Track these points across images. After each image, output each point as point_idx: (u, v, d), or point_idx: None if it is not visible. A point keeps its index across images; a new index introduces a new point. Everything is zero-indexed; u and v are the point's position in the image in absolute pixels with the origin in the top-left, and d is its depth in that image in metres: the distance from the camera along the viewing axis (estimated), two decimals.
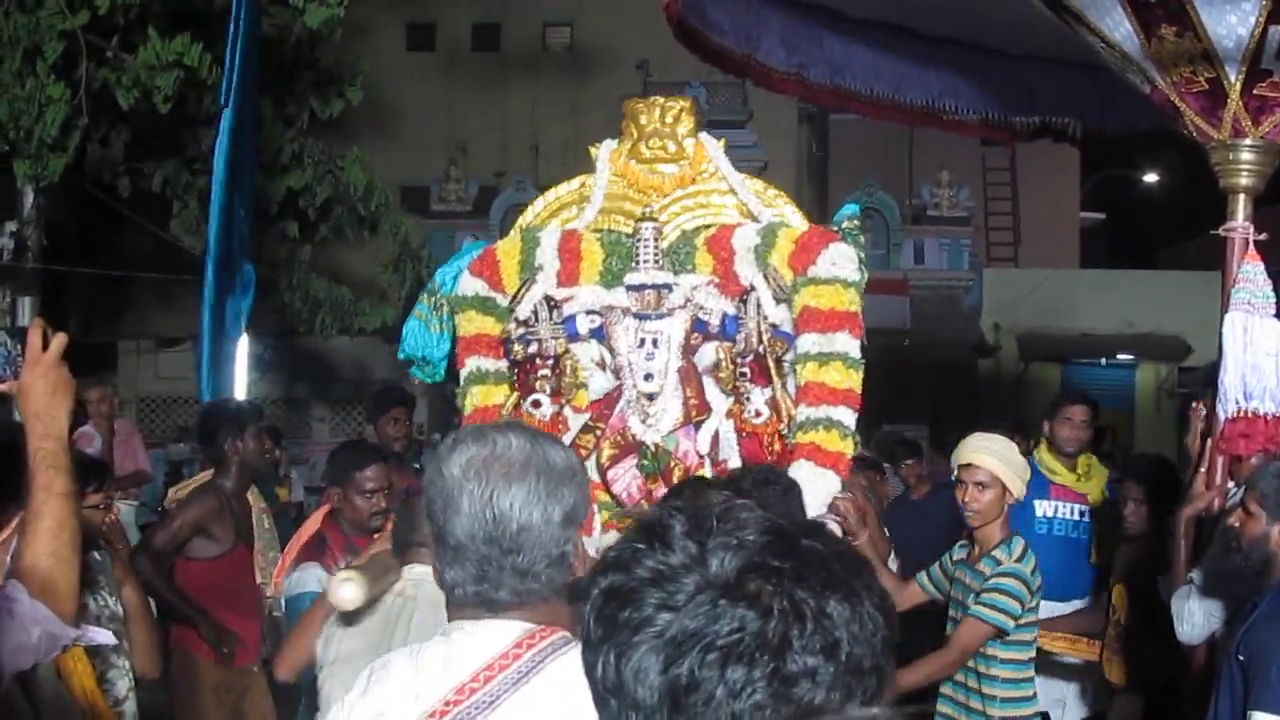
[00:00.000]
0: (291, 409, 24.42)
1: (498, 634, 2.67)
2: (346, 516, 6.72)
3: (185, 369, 24.76)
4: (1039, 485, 8.27)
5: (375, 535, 6.84)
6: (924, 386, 23.21)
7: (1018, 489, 6.13)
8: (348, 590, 4.37)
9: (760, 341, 5.91)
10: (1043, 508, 8.27)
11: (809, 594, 1.58)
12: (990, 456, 6.07)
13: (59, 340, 3.47)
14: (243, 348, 10.02)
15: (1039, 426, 8.73)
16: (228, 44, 9.88)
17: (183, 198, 14.58)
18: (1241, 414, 5.99)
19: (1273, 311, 6.01)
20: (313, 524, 6.89)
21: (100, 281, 19.69)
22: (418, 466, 11.04)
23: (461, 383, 6.12)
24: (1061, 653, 7.61)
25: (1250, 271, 6.01)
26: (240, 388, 9.91)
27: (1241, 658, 4.98)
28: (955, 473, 6.25)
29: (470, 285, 6.10)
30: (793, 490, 5.17)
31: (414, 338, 6.37)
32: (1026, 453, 12.18)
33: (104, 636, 5.06)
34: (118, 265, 19.69)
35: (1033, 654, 6.34)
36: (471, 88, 27.59)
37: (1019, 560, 6.09)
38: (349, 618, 4.44)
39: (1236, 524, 5.36)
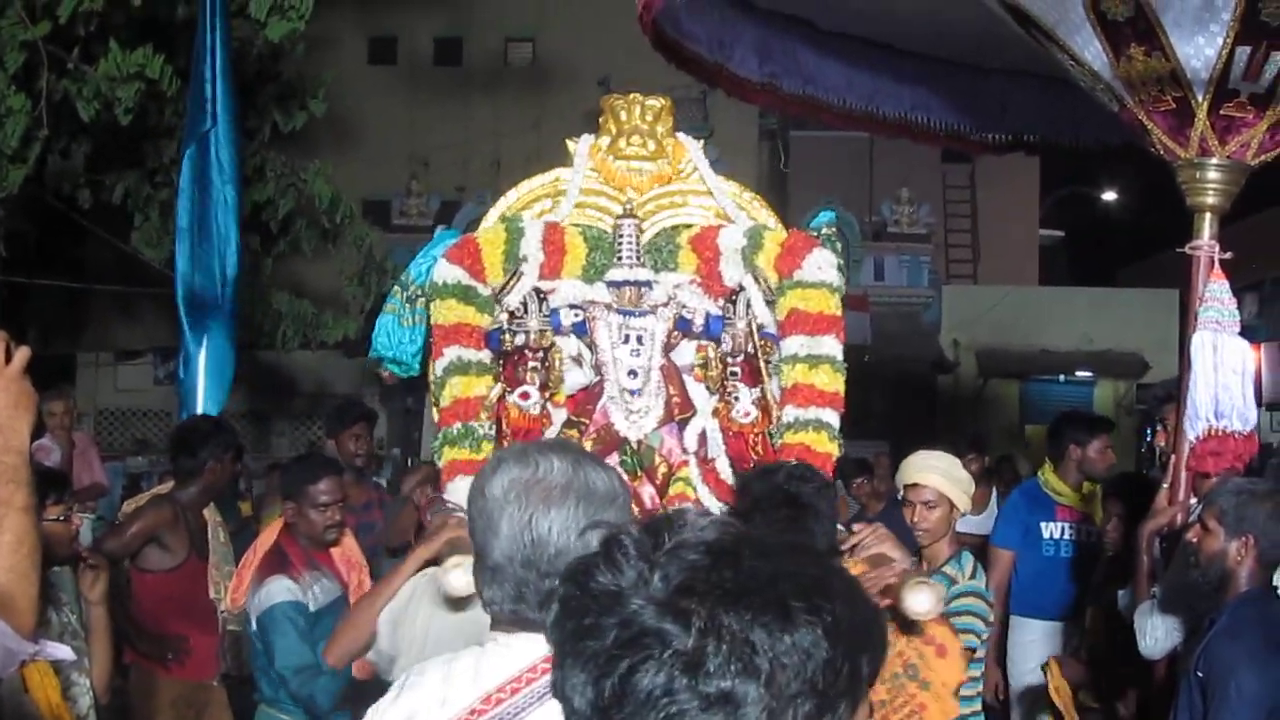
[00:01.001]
0: (252, 422, 24.32)
1: (528, 648, 2.71)
2: (301, 531, 6.73)
3: (144, 382, 24.77)
4: (1045, 507, 8.34)
5: (330, 548, 6.84)
6: (884, 403, 23.25)
7: (964, 503, 6.20)
8: (457, 577, 4.25)
9: (752, 342, 5.95)
10: (1049, 529, 8.35)
11: (735, 617, 1.58)
12: (935, 475, 6.10)
13: (22, 353, 3.42)
14: (202, 362, 9.99)
15: (1007, 444, 8.77)
16: (204, 59, 9.88)
17: (144, 210, 14.51)
18: (1212, 432, 6.03)
19: (1238, 330, 6.06)
20: (268, 538, 6.86)
21: (60, 293, 19.58)
22: (378, 481, 11.03)
23: (439, 373, 5.99)
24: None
25: (1217, 290, 6.06)
26: (201, 401, 9.86)
27: (1200, 674, 5.03)
28: (901, 492, 6.28)
29: (450, 273, 5.99)
30: (827, 488, 5.19)
31: (386, 334, 6.27)
32: (987, 469, 12.27)
33: (62, 652, 5.01)
34: (77, 277, 19.61)
35: (983, 669, 6.39)
36: (433, 101, 27.56)
37: (972, 577, 6.14)
38: (455, 603, 4.37)
39: (1194, 540, 5.45)
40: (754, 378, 5.99)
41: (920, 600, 4.58)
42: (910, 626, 4.91)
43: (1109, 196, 35.51)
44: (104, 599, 6.00)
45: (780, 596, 1.61)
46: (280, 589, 6.37)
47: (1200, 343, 6.05)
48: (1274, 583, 5.40)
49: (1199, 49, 5.50)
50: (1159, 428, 7.02)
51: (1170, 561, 6.10)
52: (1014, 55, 7.09)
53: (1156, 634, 6.04)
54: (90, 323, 23.26)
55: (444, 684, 2.76)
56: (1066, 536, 8.33)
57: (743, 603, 1.60)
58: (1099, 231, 37.14)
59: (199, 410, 9.66)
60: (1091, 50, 5.81)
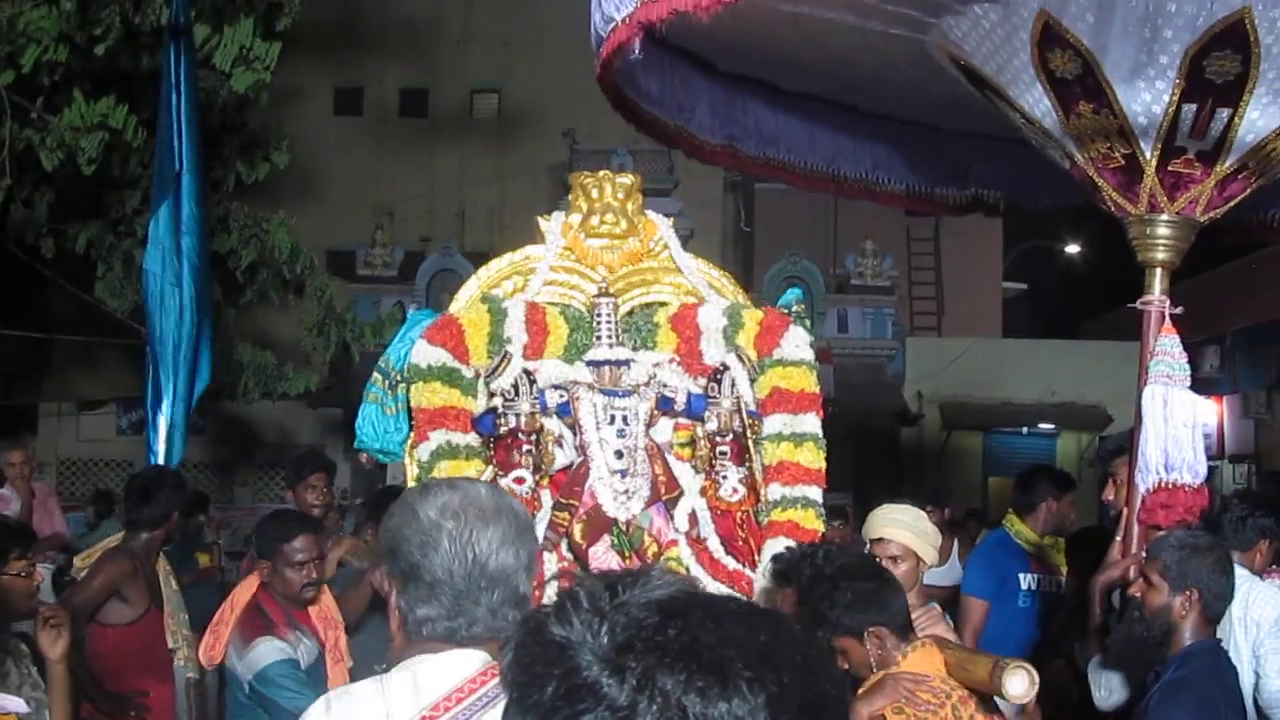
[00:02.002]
0: (214, 473, 24.23)
1: (463, 661, 2.80)
2: (277, 589, 6.63)
3: (106, 432, 24.67)
4: (1020, 557, 8.34)
5: (309, 606, 6.75)
6: (847, 454, 23.24)
7: (930, 557, 6.18)
8: (1020, 683, 4.51)
9: (739, 420, 5.98)
10: (1027, 580, 8.34)
11: (670, 678, 1.58)
12: (900, 529, 6.10)
13: None
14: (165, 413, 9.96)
15: (970, 495, 8.80)
16: (171, 110, 9.88)
17: (107, 260, 14.48)
18: (1162, 485, 6.07)
19: (1189, 384, 6.11)
20: (244, 594, 6.75)
21: (22, 343, 19.52)
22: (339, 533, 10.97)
23: (425, 457, 5.85)
24: None
25: (1167, 344, 6.10)
26: (162, 453, 9.82)
27: None
28: (868, 546, 6.28)
29: (432, 354, 5.89)
30: (891, 583, 5.08)
31: (371, 426, 6.14)
32: (950, 521, 12.30)
33: (15, 704, 5.00)
34: (40, 327, 19.54)
35: None
36: (398, 152, 27.60)
37: None
38: None
39: (1138, 594, 5.50)
40: (741, 456, 6.00)
41: (1018, 683, 4.60)
42: (992, 711, 4.93)
43: (1072, 249, 35.71)
44: (64, 656, 5.96)
45: (721, 661, 1.60)
46: (271, 649, 6.29)
47: (1151, 396, 6.09)
48: (1218, 636, 5.47)
49: (1146, 106, 5.57)
50: (1109, 481, 7.03)
51: (1124, 614, 6.13)
52: (972, 116, 7.15)
53: (1111, 685, 6.07)
54: (53, 372, 23.19)
55: (383, 699, 2.80)
56: (1039, 588, 8.36)
57: (681, 664, 1.59)
58: (1062, 284, 37.33)
59: (173, 459, 9.65)
60: (1042, 108, 5.87)
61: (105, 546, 8.11)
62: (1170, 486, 6.07)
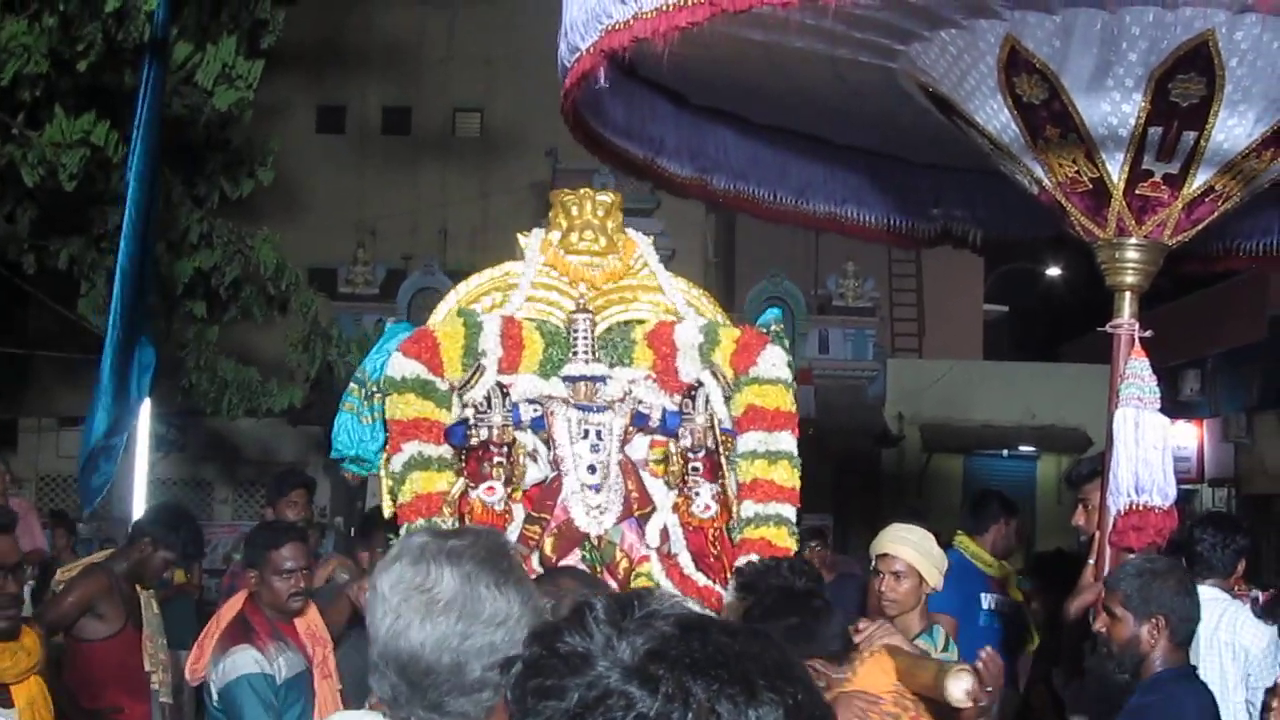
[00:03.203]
0: (195, 490, 24.17)
1: None
2: (265, 600, 6.61)
3: None
4: (978, 578, 8.38)
5: (295, 618, 6.74)
6: (827, 476, 23.26)
7: (935, 579, 6.19)
8: (962, 685, 4.60)
9: (712, 437, 6.03)
10: (987, 600, 8.37)
11: (702, 687, 1.62)
12: (906, 547, 6.12)
13: None
14: (144, 427, 9.88)
15: (950, 518, 8.81)
16: (134, 122, 9.83)
17: (89, 276, 14.46)
18: (1134, 508, 6.10)
19: (1158, 406, 6.15)
20: (231, 608, 6.75)
21: (2, 358, 19.49)
22: (320, 553, 11.00)
23: (397, 468, 5.95)
24: None
25: (1138, 368, 6.15)
26: (141, 469, 9.79)
27: None
28: (873, 563, 6.30)
29: (407, 367, 5.98)
30: (819, 612, 5.06)
31: (346, 434, 6.18)
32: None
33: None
34: (21, 343, 19.51)
35: None
36: (381, 170, 27.56)
37: (944, 649, 6.16)
38: None
39: (1104, 630, 5.40)
40: (714, 473, 6.08)
41: (959, 686, 4.65)
42: (948, 716, 4.98)
43: (1052, 272, 35.80)
44: (42, 670, 5.97)
45: (746, 673, 1.65)
46: (246, 660, 6.26)
47: (1122, 419, 6.13)
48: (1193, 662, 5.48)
49: (1112, 129, 5.62)
50: (1078, 506, 7.06)
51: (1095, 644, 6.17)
52: (942, 147, 7.20)
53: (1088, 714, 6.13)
54: (33, 388, 23.10)
55: None
56: (998, 609, 8.39)
57: (711, 674, 1.63)
58: (1042, 307, 37.40)
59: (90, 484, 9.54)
60: (1010, 133, 5.91)
61: (86, 563, 8.12)
62: (1141, 509, 6.10)
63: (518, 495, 6.09)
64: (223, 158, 14.95)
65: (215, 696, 6.33)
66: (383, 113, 28.95)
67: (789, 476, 6.05)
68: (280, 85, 17.06)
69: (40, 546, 12.04)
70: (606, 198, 6.43)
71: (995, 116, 5.83)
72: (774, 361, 6.12)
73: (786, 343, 6.41)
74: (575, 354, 6.12)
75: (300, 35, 17.99)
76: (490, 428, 5.96)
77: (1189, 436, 23.85)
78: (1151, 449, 6.09)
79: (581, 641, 1.70)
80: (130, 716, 7.52)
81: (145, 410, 9.67)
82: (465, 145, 28.27)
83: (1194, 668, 5.56)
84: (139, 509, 9.31)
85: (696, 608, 5.12)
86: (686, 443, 6.07)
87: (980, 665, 4.77)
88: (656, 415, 6.14)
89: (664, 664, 1.64)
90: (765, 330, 6.35)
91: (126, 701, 7.50)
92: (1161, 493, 6.10)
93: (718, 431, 6.08)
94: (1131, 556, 5.78)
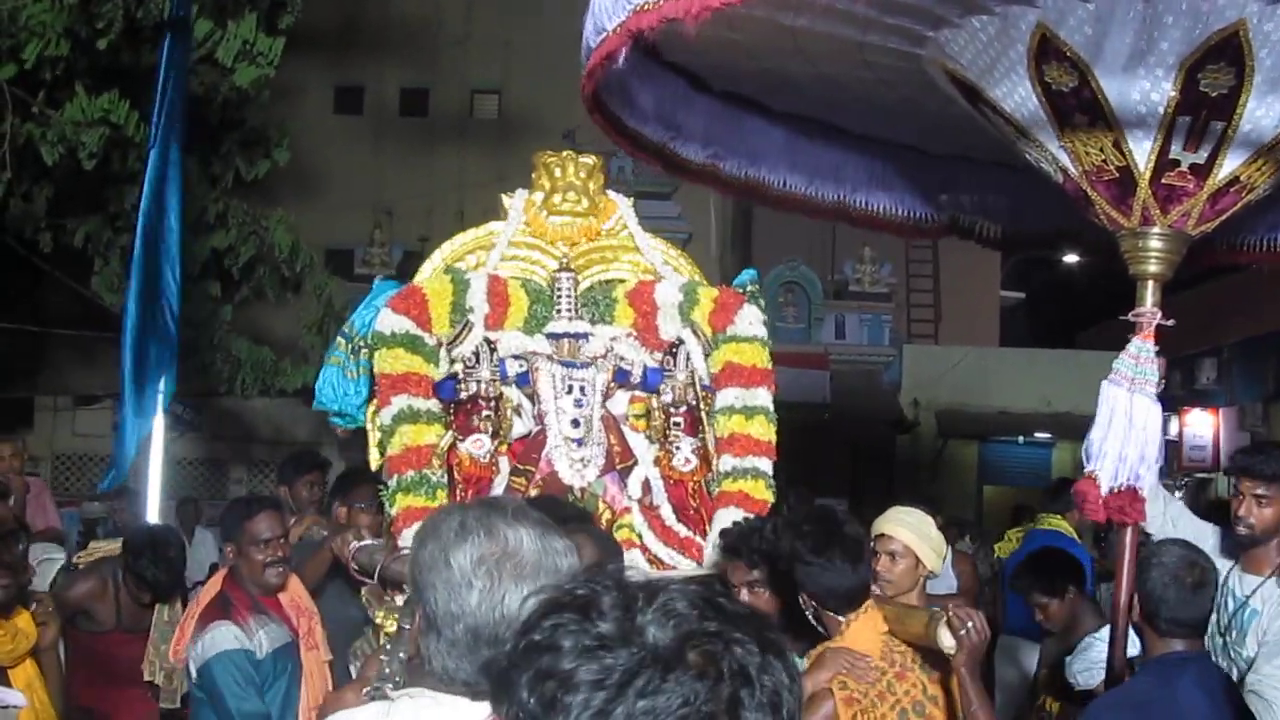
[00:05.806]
0: (209, 469, 24.22)
1: (470, 712, 2.62)
2: (245, 574, 6.56)
3: (102, 426, 24.58)
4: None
5: (277, 593, 6.72)
6: (843, 461, 23.27)
7: (932, 562, 6.15)
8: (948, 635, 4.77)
9: (693, 393, 6.13)
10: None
11: (749, 655, 1.65)
12: (903, 528, 6.12)
13: None
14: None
15: (965, 504, 8.95)
16: (155, 100, 9.83)
17: (105, 255, 14.48)
18: (1123, 486, 6.12)
19: (1153, 389, 6.12)
20: (212, 586, 6.75)
21: (18, 336, 19.51)
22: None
23: (386, 421, 6.04)
24: None
25: (1137, 348, 6.13)
26: (157, 449, 9.80)
27: None
28: (872, 543, 6.30)
29: (396, 322, 6.11)
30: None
31: (331, 387, 6.30)
32: (940, 528, 12.36)
33: (15, 698, 5.03)
34: (37, 321, 19.54)
35: None
36: (398, 152, 27.57)
37: None
38: None
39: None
40: (694, 428, 6.25)
41: (949, 634, 4.80)
42: (938, 664, 5.08)
43: (1069, 260, 35.72)
44: (53, 644, 6.01)
45: (765, 632, 1.71)
46: (225, 636, 6.21)
47: (1103, 395, 6.17)
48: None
49: (1140, 118, 5.58)
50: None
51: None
52: (962, 137, 7.17)
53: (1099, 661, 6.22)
54: (48, 366, 23.14)
55: None
56: None
57: (747, 642, 1.68)
58: (1059, 294, 37.34)
59: (123, 459, 9.61)
60: (1037, 121, 5.88)
61: (103, 552, 8.10)
62: (1120, 490, 6.13)
63: (504, 448, 6.24)
64: (239, 138, 14.97)
65: (194, 675, 6.30)
66: (400, 94, 28.98)
67: (765, 431, 6.26)
68: (298, 66, 17.02)
69: (55, 525, 12.02)
70: (589, 160, 6.65)
71: (1024, 104, 5.79)
72: (751, 320, 6.35)
73: (762, 302, 6.62)
74: (559, 311, 6.32)
75: (318, 16, 17.95)
76: (479, 382, 6.13)
77: (1205, 425, 23.75)
78: (1140, 430, 6.09)
79: (599, 635, 1.70)
80: (116, 717, 7.54)
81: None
82: (483, 127, 28.26)
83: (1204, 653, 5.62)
84: (154, 488, 9.36)
85: (669, 554, 5.23)
86: (668, 398, 6.30)
87: (951, 616, 4.86)
88: (638, 372, 6.37)
89: (704, 642, 1.66)
90: (742, 290, 6.55)
91: (114, 702, 7.50)
92: (1133, 473, 6.10)
93: (698, 388, 6.25)
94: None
